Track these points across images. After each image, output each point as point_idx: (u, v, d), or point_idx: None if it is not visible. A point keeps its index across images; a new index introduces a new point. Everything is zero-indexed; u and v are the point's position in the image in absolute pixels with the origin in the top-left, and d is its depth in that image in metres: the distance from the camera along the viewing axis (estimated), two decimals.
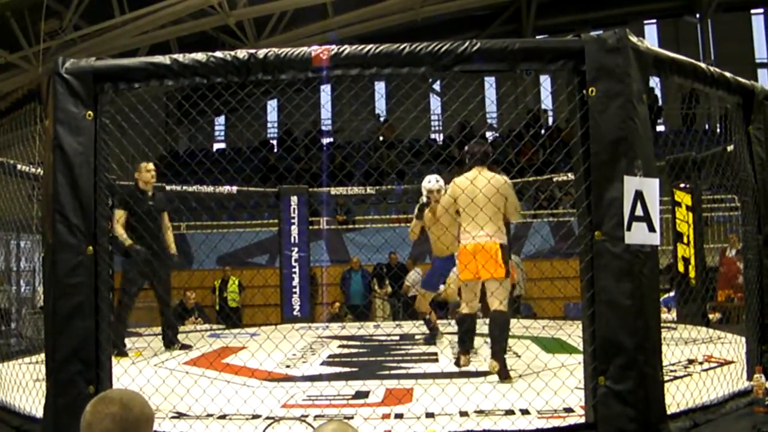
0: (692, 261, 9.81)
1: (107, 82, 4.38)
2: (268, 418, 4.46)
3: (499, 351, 5.86)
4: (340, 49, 4.23)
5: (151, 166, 8.24)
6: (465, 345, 6.60)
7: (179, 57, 4.36)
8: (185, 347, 8.24)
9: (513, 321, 7.26)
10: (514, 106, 20.93)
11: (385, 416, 4.59)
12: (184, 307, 12.55)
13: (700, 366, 6.13)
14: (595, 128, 4.07)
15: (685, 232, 9.84)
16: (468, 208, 6.07)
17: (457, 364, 6.56)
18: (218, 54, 4.35)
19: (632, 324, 3.98)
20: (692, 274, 9.80)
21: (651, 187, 4.10)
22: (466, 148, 6.68)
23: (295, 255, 12.28)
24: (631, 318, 3.98)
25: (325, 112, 23.04)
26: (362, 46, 4.22)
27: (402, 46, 4.19)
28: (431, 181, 7.96)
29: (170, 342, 8.33)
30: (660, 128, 20.54)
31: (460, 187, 6.27)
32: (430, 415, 4.54)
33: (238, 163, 15.27)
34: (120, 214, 7.85)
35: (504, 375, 5.72)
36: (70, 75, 4.28)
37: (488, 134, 21.72)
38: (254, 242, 15.60)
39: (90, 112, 4.28)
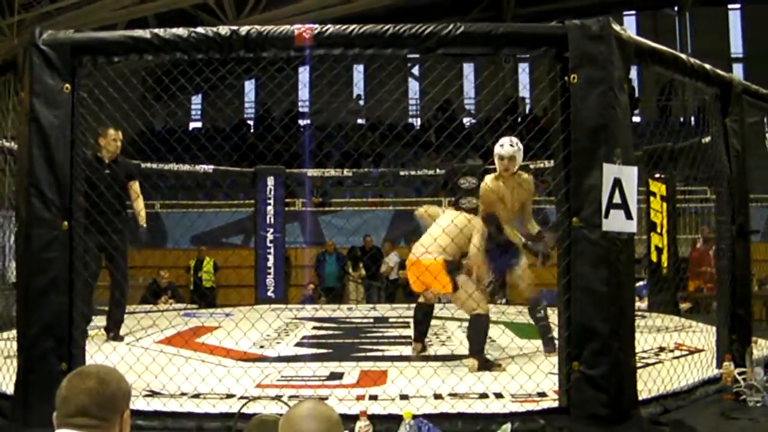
0: (665, 251, 9.89)
1: (86, 55, 4.31)
2: (242, 397, 4.45)
3: (475, 352, 5.79)
4: (323, 29, 4.20)
5: (119, 134, 7.39)
6: (418, 332, 6.55)
7: (160, 32, 4.30)
8: (117, 339, 7.20)
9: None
10: (493, 93, 20.95)
11: (360, 397, 4.59)
12: (158, 285, 12.49)
13: (671, 354, 6.19)
14: (575, 115, 4.08)
15: (659, 222, 9.91)
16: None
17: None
18: (200, 30, 4.29)
19: (607, 310, 4.01)
20: (665, 263, 9.88)
21: (629, 175, 4.12)
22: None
23: (270, 236, 12.22)
24: (606, 304, 4.01)
25: (304, 94, 22.96)
26: (346, 26, 4.19)
27: (386, 27, 4.16)
28: (504, 145, 6.41)
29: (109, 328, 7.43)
30: (636, 119, 20.67)
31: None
32: (404, 397, 4.54)
33: (216, 142, 15.17)
34: None
35: (483, 369, 5.62)
36: (48, 47, 4.21)
37: (466, 120, 21.77)
38: (229, 222, 15.55)
39: (67, 85, 4.22)
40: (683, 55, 4.88)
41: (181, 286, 14.08)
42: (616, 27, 4.17)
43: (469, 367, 5.62)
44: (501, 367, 5.61)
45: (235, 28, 4.27)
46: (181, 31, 4.29)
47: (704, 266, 12.22)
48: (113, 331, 7.32)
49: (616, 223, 4.04)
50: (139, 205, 7.72)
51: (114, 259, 7.36)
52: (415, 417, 3.44)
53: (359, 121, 21.67)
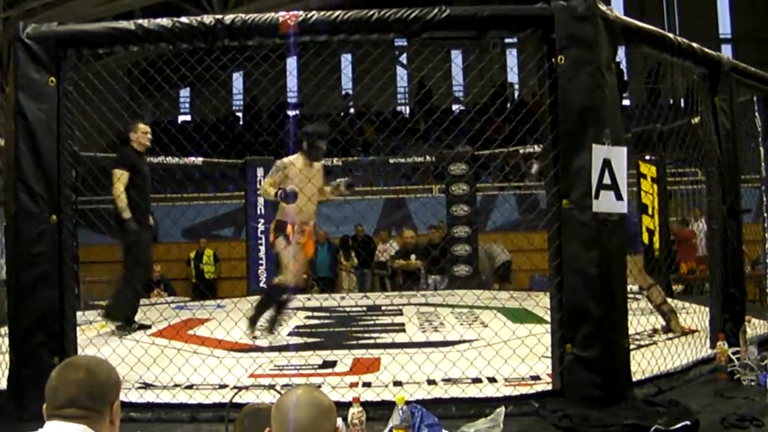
0: (656, 233, 9.90)
1: (70, 47, 4.30)
2: (235, 387, 4.44)
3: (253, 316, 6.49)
4: (308, 15, 4.18)
5: (148, 128, 7.51)
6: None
7: (144, 22, 4.29)
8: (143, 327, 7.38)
9: (479, 291, 7.30)
10: (481, 79, 20.92)
11: (353, 385, 4.60)
12: (150, 279, 12.44)
13: (665, 335, 6.20)
14: (563, 96, 4.08)
15: (649, 203, 9.92)
16: None
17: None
18: (184, 19, 4.28)
19: (599, 292, 4.02)
20: (656, 245, 9.90)
21: (619, 156, 4.12)
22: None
23: (261, 227, 12.20)
24: (598, 286, 4.02)
25: (291, 85, 22.86)
26: (330, 12, 4.18)
27: (370, 12, 4.15)
28: None
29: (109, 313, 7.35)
30: (625, 102, 20.65)
31: None
32: (397, 383, 4.56)
33: (203, 132, 15.11)
34: (121, 174, 7.11)
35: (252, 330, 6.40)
36: (32, 40, 4.19)
37: (455, 107, 21.73)
38: (220, 214, 15.50)
39: (52, 79, 4.21)
40: (671, 35, 4.88)
41: (173, 279, 14.04)
42: (603, 7, 4.16)
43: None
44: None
45: (219, 16, 4.26)
46: (165, 21, 4.27)
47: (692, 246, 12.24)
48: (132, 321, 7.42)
49: (606, 204, 4.04)
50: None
51: (147, 251, 7.58)
52: (408, 402, 3.44)
53: (351, 110, 21.61)
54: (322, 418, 2.03)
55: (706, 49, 5.23)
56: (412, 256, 12.63)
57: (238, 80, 23.77)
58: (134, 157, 7.29)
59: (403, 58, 23.39)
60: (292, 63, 21.99)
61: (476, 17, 4.20)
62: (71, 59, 4.33)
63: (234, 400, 3.42)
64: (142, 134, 7.40)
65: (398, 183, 17.44)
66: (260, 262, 12.18)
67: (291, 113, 21.91)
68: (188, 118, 23.72)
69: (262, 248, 12.16)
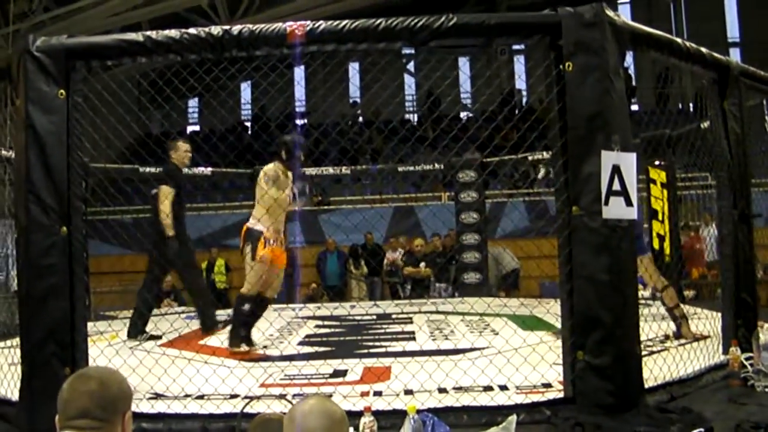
0: (667, 238, 9.86)
1: (79, 59, 4.31)
2: (246, 397, 4.44)
3: (231, 329, 6.50)
4: (316, 25, 4.19)
5: (188, 146, 7.76)
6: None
7: (152, 34, 4.30)
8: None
9: (489, 299, 7.30)
10: (489, 86, 20.92)
11: (364, 394, 4.58)
12: (160, 289, 12.44)
13: (677, 341, 6.17)
14: (571, 103, 4.07)
15: (659, 209, 9.89)
16: None
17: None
18: (192, 30, 4.28)
19: (610, 298, 4.00)
20: (667, 251, 9.86)
21: (628, 162, 4.10)
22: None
23: None
24: (608, 292, 4.00)
25: (299, 94, 22.90)
26: (338, 22, 4.19)
27: (378, 21, 4.15)
28: None
29: (213, 324, 7.89)
30: (633, 107, 20.61)
31: None
32: (408, 392, 4.54)
33: (212, 142, 15.13)
34: (169, 192, 7.36)
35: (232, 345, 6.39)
36: (41, 53, 4.21)
37: (462, 114, 21.75)
38: (229, 224, 15.52)
39: (62, 91, 4.22)
40: (678, 39, 4.86)
41: (182, 289, 14.06)
42: (610, 13, 4.15)
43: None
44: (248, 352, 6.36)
45: (227, 27, 4.26)
46: (173, 33, 4.28)
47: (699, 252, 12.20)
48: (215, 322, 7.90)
49: (616, 210, 4.02)
50: None
51: (193, 264, 8.09)
52: (419, 411, 3.43)
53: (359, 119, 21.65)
54: (335, 429, 2.03)
55: (715, 54, 5.22)
56: (422, 264, 12.64)
57: (246, 90, 23.84)
58: (179, 175, 7.52)
59: (411, 66, 23.42)
60: (299, 72, 22.05)
61: (483, 25, 4.19)
62: (80, 71, 4.34)
63: (245, 410, 3.42)
64: (183, 152, 7.61)
65: (407, 191, 17.46)
66: None
67: (299, 122, 21.96)
68: (197, 128, 23.81)
69: None
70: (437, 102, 18.66)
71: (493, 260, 12.70)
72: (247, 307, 6.50)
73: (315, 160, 8.65)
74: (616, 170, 4.04)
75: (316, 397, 2.17)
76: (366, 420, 3.26)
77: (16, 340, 4.40)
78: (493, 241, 13.42)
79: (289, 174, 6.71)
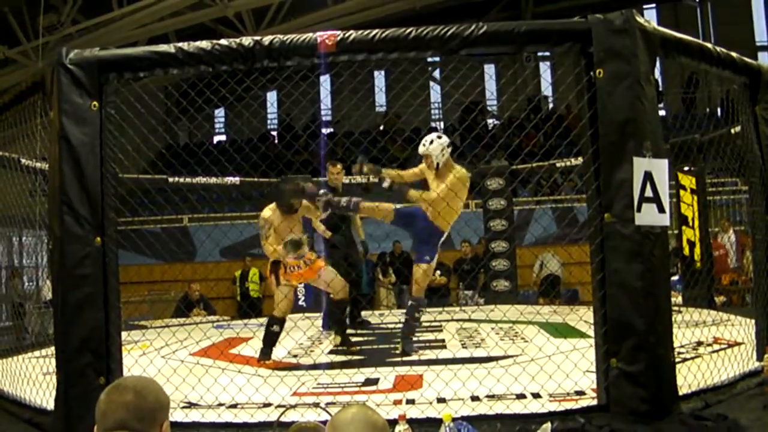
0: (697, 244, 9.78)
1: (112, 71, 4.36)
2: (279, 406, 4.46)
3: (263, 345, 6.60)
4: (347, 35, 4.21)
5: (340, 167, 8.54)
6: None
7: (184, 45, 4.34)
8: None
9: (522, 306, 7.31)
10: (516, 93, 20.87)
11: (397, 402, 4.58)
12: (189, 298, 12.54)
13: (710, 348, 6.12)
14: (603, 110, 4.06)
15: (689, 215, 9.81)
16: None
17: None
18: (223, 41, 4.32)
19: (643, 305, 3.98)
20: (697, 257, 9.78)
21: (660, 168, 4.09)
22: None
23: None
24: (642, 299, 3.98)
25: (325, 105, 22.97)
26: (368, 31, 4.21)
27: (408, 30, 4.17)
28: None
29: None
30: (661, 112, 20.47)
31: None
32: (441, 400, 4.53)
33: (240, 156, 15.20)
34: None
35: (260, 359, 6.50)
36: (75, 65, 4.27)
37: (489, 122, 21.70)
38: (256, 234, 15.58)
39: (95, 103, 4.27)
40: (709, 45, 4.84)
41: (212, 298, 14.16)
42: (640, 19, 4.14)
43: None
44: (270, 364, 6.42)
45: (258, 38, 4.30)
46: (205, 44, 4.32)
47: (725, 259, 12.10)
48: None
49: (648, 216, 4.01)
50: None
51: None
52: (453, 419, 3.43)
53: (383, 127, 21.65)
54: None
55: (746, 58, 5.18)
56: (437, 272, 12.57)
57: (272, 99, 23.92)
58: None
59: (437, 74, 23.42)
60: (325, 80, 22.11)
61: (514, 33, 4.20)
62: (113, 83, 4.39)
63: (280, 419, 3.43)
64: (336, 174, 8.49)
65: None
66: None
67: (325, 131, 22.01)
68: (223, 137, 23.93)
69: None
70: (470, 112, 18.61)
71: (539, 265, 12.68)
72: (276, 328, 6.66)
73: (346, 169, 8.72)
74: (648, 177, 4.03)
75: (358, 405, 2.18)
76: (401, 428, 3.27)
77: (49, 350, 4.45)
78: (521, 249, 13.40)
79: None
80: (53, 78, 4.30)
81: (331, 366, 6.13)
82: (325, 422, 2.56)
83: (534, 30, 4.32)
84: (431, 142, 6.66)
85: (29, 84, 4.85)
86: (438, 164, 6.65)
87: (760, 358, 5.01)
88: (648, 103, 4.08)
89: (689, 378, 4.51)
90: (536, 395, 4.57)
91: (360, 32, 4.22)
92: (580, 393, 4.54)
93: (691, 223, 9.77)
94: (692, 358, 5.55)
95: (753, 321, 5.52)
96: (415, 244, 7.08)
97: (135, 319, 11.13)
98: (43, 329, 8.20)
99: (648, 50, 4.15)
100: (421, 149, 6.73)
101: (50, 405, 4.36)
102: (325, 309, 8.80)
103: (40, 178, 6.45)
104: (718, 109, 20.59)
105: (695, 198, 9.78)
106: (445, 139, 6.66)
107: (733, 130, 6.79)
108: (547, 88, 22.23)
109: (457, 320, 9.28)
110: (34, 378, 4.86)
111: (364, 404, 2.40)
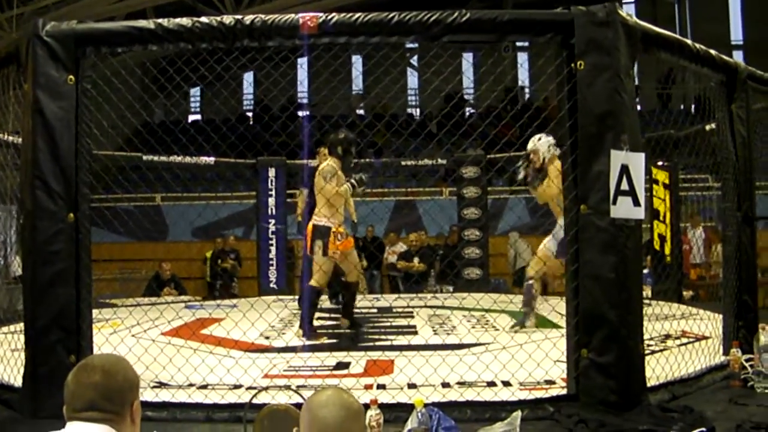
0: (668, 239, 9.86)
1: (89, 45, 4.30)
2: (250, 387, 4.45)
3: (304, 319, 6.77)
4: (329, 17, 4.18)
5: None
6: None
7: (164, 22, 4.29)
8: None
9: (495, 295, 7.37)
10: (493, 84, 20.88)
11: (368, 387, 4.60)
12: (160, 278, 12.46)
13: (678, 341, 6.18)
14: (582, 102, 4.08)
15: (661, 210, 9.88)
16: None
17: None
18: (204, 19, 4.28)
19: (616, 297, 4.02)
20: (667, 251, 9.86)
21: (637, 162, 4.12)
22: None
23: (272, 227, 12.16)
24: (614, 291, 4.02)
25: (302, 84, 22.82)
26: (350, 14, 4.18)
27: (391, 15, 4.15)
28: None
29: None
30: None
31: None
32: (412, 386, 4.56)
33: (217, 135, 15.07)
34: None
35: (309, 337, 6.64)
36: (51, 38, 4.20)
37: (467, 110, 21.70)
38: (230, 214, 15.52)
39: (71, 77, 4.21)
40: (688, 41, 4.86)
41: (183, 278, 14.07)
42: (622, 13, 4.15)
43: (297, 335, 6.81)
44: (322, 338, 6.76)
45: (239, 17, 4.25)
46: (185, 21, 4.27)
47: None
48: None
49: (624, 209, 4.04)
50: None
51: None
52: (425, 405, 3.43)
53: (360, 111, 21.57)
54: (352, 420, 2.03)
55: (724, 56, 5.22)
56: (416, 259, 12.61)
57: (249, 79, 23.72)
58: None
59: (414, 60, 23.35)
60: (302, 61, 21.95)
61: (496, 21, 4.19)
62: (90, 58, 4.33)
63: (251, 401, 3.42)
64: (322, 157, 8.07)
65: (408, 185, 17.42)
66: (270, 262, 12.14)
67: (302, 113, 21.89)
68: (198, 117, 23.73)
69: (273, 249, 12.13)
70: (450, 99, 18.58)
71: (513, 254, 12.70)
72: (318, 299, 6.90)
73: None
74: (624, 170, 4.05)
75: (333, 388, 2.17)
76: (372, 413, 3.26)
77: (17, 326, 4.40)
78: (493, 237, 13.44)
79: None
80: (28, 50, 4.23)
81: (303, 349, 6.14)
82: (297, 405, 2.55)
83: (517, 19, 4.33)
84: (539, 139, 7.01)
85: (3, 55, 4.75)
86: (544, 159, 6.96)
87: (726, 353, 5.07)
88: (627, 96, 4.11)
89: (657, 370, 4.56)
90: (507, 383, 4.60)
91: (342, 15, 4.20)
92: (551, 382, 4.57)
93: (662, 218, 9.84)
94: (660, 351, 5.60)
95: (720, 316, 5.58)
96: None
97: (105, 296, 11.03)
98: (11, 305, 8.10)
99: (629, 44, 4.17)
100: (529, 146, 7.07)
101: (18, 382, 4.31)
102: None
103: (12, 152, 6.36)
104: (692, 106, 20.73)
105: (668, 193, 9.84)
106: (551, 138, 6.96)
107: (707, 127, 6.84)
108: (525, 79, 22.27)
109: (430, 307, 9.30)
110: (1, 354, 4.80)
111: (340, 387, 2.40)
